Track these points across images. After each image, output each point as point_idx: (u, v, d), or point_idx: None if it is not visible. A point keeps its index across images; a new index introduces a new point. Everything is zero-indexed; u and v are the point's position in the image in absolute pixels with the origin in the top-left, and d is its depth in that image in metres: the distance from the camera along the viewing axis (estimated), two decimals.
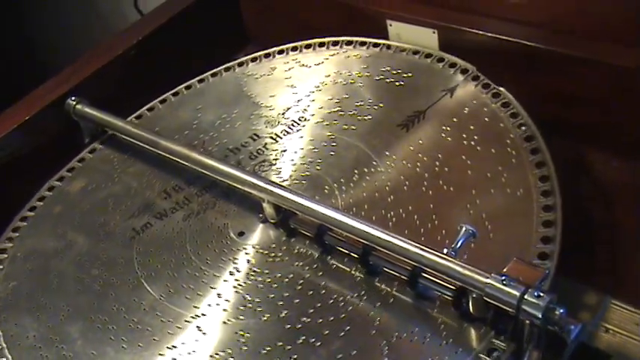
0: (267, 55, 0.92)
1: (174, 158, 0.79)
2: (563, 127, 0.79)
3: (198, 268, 0.70)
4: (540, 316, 0.54)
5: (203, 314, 0.66)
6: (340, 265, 0.67)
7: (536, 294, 0.55)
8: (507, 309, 0.56)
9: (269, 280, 0.67)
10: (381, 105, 0.81)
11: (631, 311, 0.68)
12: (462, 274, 0.58)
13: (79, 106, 0.89)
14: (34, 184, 0.85)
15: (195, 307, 0.67)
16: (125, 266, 0.72)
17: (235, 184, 0.73)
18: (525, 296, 0.55)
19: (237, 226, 0.73)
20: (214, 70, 0.92)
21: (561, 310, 0.55)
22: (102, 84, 0.95)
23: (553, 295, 0.55)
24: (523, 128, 0.73)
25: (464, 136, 0.75)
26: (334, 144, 0.78)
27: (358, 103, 0.82)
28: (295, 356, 0.60)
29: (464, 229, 0.62)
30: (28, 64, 1.78)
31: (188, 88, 0.92)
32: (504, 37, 0.82)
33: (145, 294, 0.69)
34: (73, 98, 0.89)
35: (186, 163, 0.78)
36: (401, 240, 0.62)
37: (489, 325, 0.59)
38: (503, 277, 0.56)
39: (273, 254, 0.70)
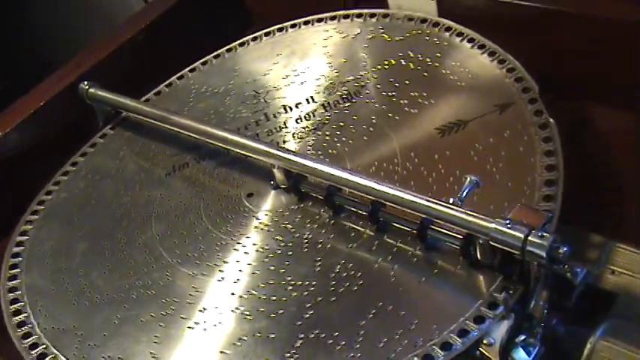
0: (359, 16, 0.92)
1: (186, 133, 0.82)
2: (562, 82, 0.80)
3: (199, 218, 0.75)
4: (545, 255, 0.56)
5: (179, 262, 0.71)
6: (349, 224, 0.70)
7: (540, 234, 0.57)
8: (513, 251, 0.58)
9: (246, 245, 0.71)
10: (432, 102, 0.79)
11: (635, 252, 0.68)
12: (467, 221, 0.61)
13: (92, 90, 0.93)
14: (48, 172, 0.88)
15: (177, 252, 0.72)
16: (147, 200, 0.79)
17: (246, 153, 0.76)
18: (529, 237, 0.57)
19: (250, 187, 0.77)
20: (306, 19, 0.94)
21: (565, 248, 0.56)
22: (111, 70, 0.98)
23: (556, 235, 0.57)
24: (550, 171, 0.69)
25: (490, 160, 0.72)
26: (372, 129, 0.79)
27: (413, 93, 0.81)
28: (244, 315, 0.64)
29: (468, 179, 0.64)
30: (30, 59, 1.73)
31: (281, 30, 0.95)
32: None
33: (147, 230, 0.75)
34: (85, 83, 0.93)
35: (201, 137, 0.81)
36: (409, 193, 0.65)
37: (497, 271, 0.61)
38: (508, 221, 0.58)
39: (262, 222, 0.72)
